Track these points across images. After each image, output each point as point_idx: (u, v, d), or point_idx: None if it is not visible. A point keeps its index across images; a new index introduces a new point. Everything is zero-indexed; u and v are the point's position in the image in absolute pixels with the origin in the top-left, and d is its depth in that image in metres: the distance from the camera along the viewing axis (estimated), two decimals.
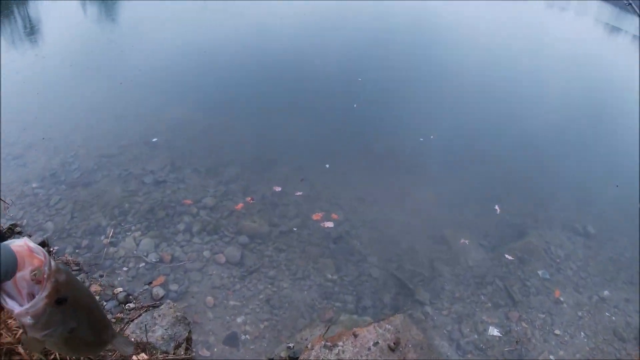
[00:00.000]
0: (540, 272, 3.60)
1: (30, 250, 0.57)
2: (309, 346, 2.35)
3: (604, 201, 4.67)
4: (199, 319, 2.85)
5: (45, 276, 0.56)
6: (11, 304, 0.55)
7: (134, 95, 5.53)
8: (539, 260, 3.75)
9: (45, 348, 0.67)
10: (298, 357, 2.50)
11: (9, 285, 0.54)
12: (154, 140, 4.56)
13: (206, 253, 3.31)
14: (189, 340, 2.74)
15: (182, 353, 2.60)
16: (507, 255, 3.72)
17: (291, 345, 2.64)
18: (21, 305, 0.55)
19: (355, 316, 2.93)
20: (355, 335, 2.45)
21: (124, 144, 4.51)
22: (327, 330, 2.69)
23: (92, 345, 0.69)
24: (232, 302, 2.96)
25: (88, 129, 4.69)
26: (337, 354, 2.34)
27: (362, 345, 2.43)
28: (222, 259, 3.27)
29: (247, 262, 3.28)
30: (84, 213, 3.54)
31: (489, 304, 3.23)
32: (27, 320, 0.56)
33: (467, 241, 3.80)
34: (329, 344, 2.36)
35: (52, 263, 0.57)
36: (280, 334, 2.81)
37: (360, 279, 3.31)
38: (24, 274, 0.56)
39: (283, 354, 2.60)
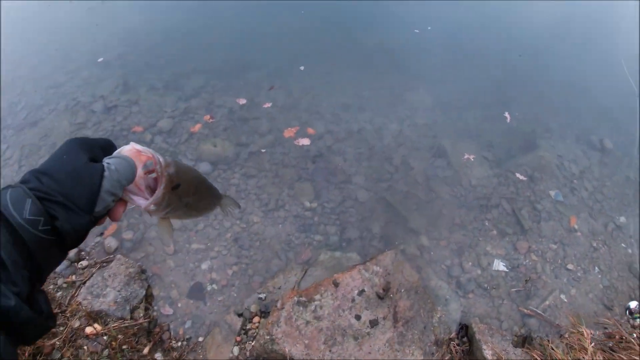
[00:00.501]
0: (552, 193, 3.13)
1: (138, 151, 0.68)
2: (279, 305, 1.94)
3: (623, 112, 4.05)
4: (159, 270, 2.44)
5: (159, 173, 0.67)
6: (137, 200, 0.67)
7: (79, 9, 4.67)
8: (551, 179, 3.27)
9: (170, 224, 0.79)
10: (269, 311, 2.12)
11: (130, 186, 0.65)
12: (100, 60, 3.86)
13: None
14: (148, 298, 2.36)
15: (141, 316, 2.24)
16: (517, 174, 3.23)
17: (263, 296, 2.25)
18: (146, 199, 0.67)
19: (338, 253, 2.53)
20: (336, 284, 2.04)
21: (71, 68, 3.82)
22: (303, 275, 2.28)
23: (205, 209, 0.85)
24: (195, 246, 2.53)
25: (34, 56, 3.97)
26: (314, 311, 1.94)
27: (344, 296, 2.03)
28: None
29: None
30: (31, 159, 3.00)
31: (495, 232, 2.81)
32: (152, 207, 0.68)
33: (471, 156, 3.30)
34: (303, 299, 1.95)
35: (161, 159, 0.67)
36: (251, 281, 2.42)
37: (345, 206, 2.86)
38: (139, 172, 0.67)
39: (254, 308, 2.23)
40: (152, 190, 0.68)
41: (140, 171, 0.67)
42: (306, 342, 1.84)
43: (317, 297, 1.97)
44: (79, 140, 0.61)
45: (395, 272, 2.29)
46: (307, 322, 1.88)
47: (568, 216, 3.02)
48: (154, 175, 0.68)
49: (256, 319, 2.15)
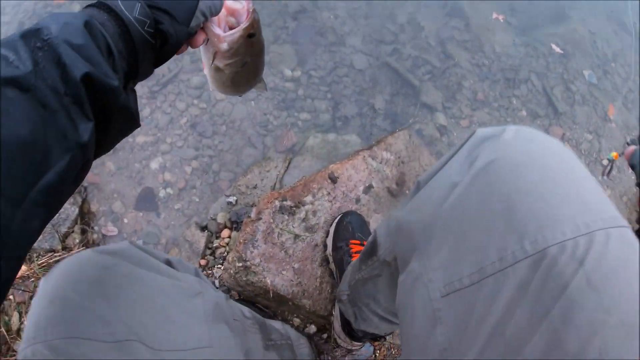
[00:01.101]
0: (586, 74, 2.45)
1: None
2: (253, 214, 1.34)
3: None
4: (95, 178, 1.79)
5: (249, 11, 0.69)
6: (217, 30, 0.68)
7: None
8: (585, 57, 2.55)
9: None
10: (242, 221, 1.52)
11: (213, 20, 0.68)
12: None
13: None
14: (84, 217, 1.73)
15: (77, 243, 1.64)
16: (552, 45, 2.51)
17: (233, 199, 1.64)
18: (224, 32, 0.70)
19: (331, 135, 1.89)
20: (334, 179, 1.43)
21: None
22: (287, 167, 1.66)
23: (247, 83, 0.89)
24: (140, 139, 1.86)
25: None
26: (305, 220, 1.34)
27: (345, 195, 1.43)
28: None
29: (158, 69, 2.06)
30: None
31: (524, 112, 2.16)
32: (224, 46, 0.70)
33: (500, 16, 2.53)
34: (288, 203, 1.35)
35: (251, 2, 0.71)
36: (217, 179, 1.80)
37: (337, 74, 2.16)
38: (223, 10, 0.69)
39: (221, 217, 1.63)
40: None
41: (224, 11, 0.69)
42: (296, 266, 1.27)
43: (308, 198, 1.36)
44: None
45: (411, 159, 1.68)
46: (296, 237, 1.30)
47: (603, 103, 2.39)
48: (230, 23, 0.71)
49: (225, 233, 1.57)
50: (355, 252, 1.23)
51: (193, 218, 1.74)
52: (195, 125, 1.91)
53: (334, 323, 1.28)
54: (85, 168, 0.48)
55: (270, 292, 1.22)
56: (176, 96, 1.99)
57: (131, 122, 0.54)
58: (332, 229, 1.33)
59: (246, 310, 1.01)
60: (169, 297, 0.66)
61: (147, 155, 1.87)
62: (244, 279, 1.24)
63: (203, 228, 1.65)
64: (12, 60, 0.41)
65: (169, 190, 1.81)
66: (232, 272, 1.26)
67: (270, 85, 2.03)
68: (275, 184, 1.57)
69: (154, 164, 1.85)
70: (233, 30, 0.70)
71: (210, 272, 1.57)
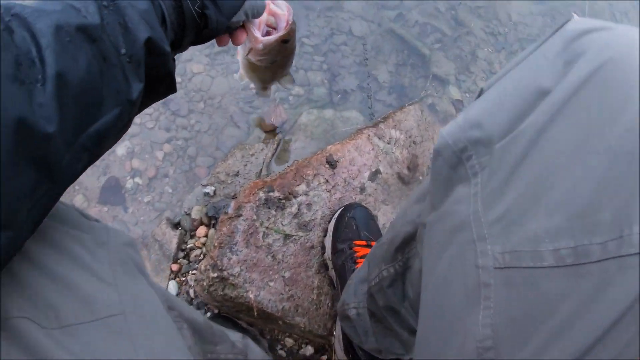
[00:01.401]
0: None
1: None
2: (231, 209, 1.06)
3: None
4: None
5: (288, 22, 0.78)
6: (256, 33, 0.75)
7: None
8: None
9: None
10: (218, 218, 1.25)
11: (254, 22, 0.74)
12: None
13: None
14: None
15: None
16: (573, 14, 2.22)
17: (210, 189, 1.36)
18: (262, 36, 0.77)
19: (329, 111, 1.60)
20: (332, 164, 1.15)
21: None
22: (276, 149, 1.37)
23: (273, 78, 0.99)
24: None
25: None
26: (297, 216, 1.07)
27: (347, 183, 1.15)
28: None
29: None
30: None
31: None
32: (259, 46, 0.77)
33: None
34: (276, 194, 1.07)
35: (292, 13, 0.79)
36: (193, 165, 1.51)
37: (334, 42, 1.86)
38: (265, 14, 0.75)
39: (197, 212, 1.35)
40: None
41: (265, 14, 0.75)
42: (287, 274, 1.00)
43: (301, 188, 1.09)
44: None
45: (424, 138, 1.40)
46: (287, 238, 1.03)
47: None
48: (268, 29, 0.79)
49: (202, 231, 1.29)
50: (361, 257, 0.96)
51: (165, 213, 1.47)
52: (168, 102, 1.61)
53: (335, 345, 1.01)
54: (127, 125, 0.52)
55: (255, 310, 0.95)
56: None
57: (170, 88, 0.58)
58: (331, 227, 1.05)
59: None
60: (69, 255, 0.50)
61: None
62: (221, 293, 0.97)
63: (176, 225, 1.38)
64: (81, 11, 0.44)
65: (137, 179, 1.53)
66: (205, 284, 0.99)
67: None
68: (261, 170, 1.29)
69: (121, 150, 1.57)
70: (270, 37, 0.78)
71: (184, 279, 1.30)
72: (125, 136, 1.60)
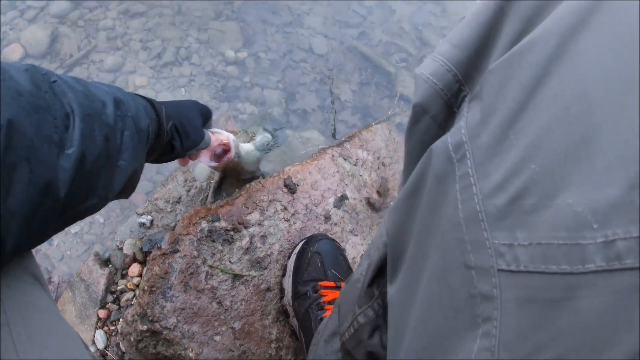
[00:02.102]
0: None
1: (218, 133, 0.93)
2: (165, 243, 0.86)
3: None
4: None
5: (232, 146, 0.94)
6: (203, 159, 0.91)
7: None
8: None
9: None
10: (161, 247, 1.03)
11: (203, 152, 0.90)
12: None
13: None
14: None
15: None
16: None
17: (146, 220, 1.14)
18: (210, 160, 0.93)
19: (286, 130, 1.44)
20: (292, 188, 0.97)
21: None
22: (224, 174, 1.18)
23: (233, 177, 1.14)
24: None
25: None
26: (248, 250, 0.88)
27: (308, 210, 0.97)
28: (18, 51, 1.51)
29: (63, 48, 1.54)
30: None
31: None
32: (212, 164, 0.94)
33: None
34: (222, 224, 0.88)
35: (233, 138, 0.95)
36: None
37: (293, 58, 1.72)
38: (213, 144, 0.91)
39: (129, 245, 1.12)
40: (214, 155, 0.94)
41: (214, 144, 0.92)
42: (237, 325, 0.80)
43: (253, 217, 0.90)
44: (199, 104, 0.84)
45: (393, 160, 1.26)
46: (236, 278, 0.84)
47: None
48: (218, 151, 0.94)
49: (135, 270, 1.06)
50: (329, 303, 0.78)
51: (94, 246, 1.24)
52: None
53: None
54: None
55: None
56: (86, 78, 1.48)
57: (128, 195, 0.63)
58: (291, 264, 0.87)
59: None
60: None
61: None
62: (152, 351, 0.76)
63: (105, 262, 1.15)
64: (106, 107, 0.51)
65: None
66: (132, 339, 0.78)
67: (207, 69, 1.56)
68: (207, 196, 1.09)
69: None
70: (222, 160, 0.95)
71: (113, 328, 1.07)
72: None
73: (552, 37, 0.26)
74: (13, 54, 1.52)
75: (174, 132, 0.72)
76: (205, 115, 0.85)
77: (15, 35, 1.57)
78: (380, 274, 0.51)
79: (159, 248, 0.81)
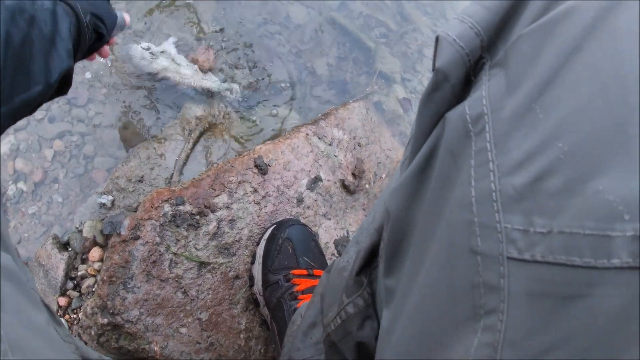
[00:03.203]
0: None
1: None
2: (125, 227, 0.80)
3: None
4: None
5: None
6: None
7: None
8: None
9: None
10: (120, 234, 0.97)
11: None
12: None
13: None
14: None
15: None
16: None
17: (107, 200, 1.06)
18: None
19: (259, 106, 1.36)
20: (262, 168, 0.92)
21: None
22: (191, 148, 1.12)
23: None
24: None
25: None
26: (215, 236, 0.83)
27: (280, 192, 0.92)
28: None
29: None
30: None
31: None
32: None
33: None
34: (188, 208, 0.82)
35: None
36: (89, 169, 1.17)
37: (268, 29, 1.62)
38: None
39: (89, 228, 1.05)
40: None
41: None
42: (203, 315, 0.76)
43: (221, 199, 0.85)
44: None
45: (370, 140, 1.22)
46: (202, 266, 0.79)
47: None
48: None
49: (96, 254, 1.00)
50: (302, 292, 0.74)
51: (53, 228, 1.16)
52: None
53: None
54: (38, 106, 0.61)
55: None
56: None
57: (63, 90, 0.64)
58: (260, 251, 0.83)
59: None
60: None
61: None
62: (115, 345, 0.71)
63: (64, 245, 1.08)
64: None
65: (21, 185, 1.22)
66: (93, 333, 0.73)
67: (179, 42, 1.47)
68: (172, 175, 1.03)
69: (3, 146, 1.25)
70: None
71: (74, 316, 1.01)
72: (9, 130, 1.28)
73: (591, 8, 0.23)
74: None
75: (96, 21, 0.72)
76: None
77: None
78: (370, 262, 0.48)
79: (119, 234, 0.76)
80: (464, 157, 0.27)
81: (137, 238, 0.75)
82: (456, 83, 0.32)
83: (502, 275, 0.24)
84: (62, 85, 0.63)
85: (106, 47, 0.89)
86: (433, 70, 0.33)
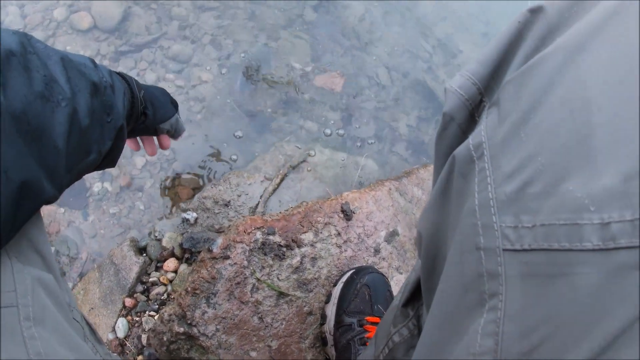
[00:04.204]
0: None
1: None
2: (216, 248, 0.83)
3: None
4: None
5: None
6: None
7: None
8: None
9: None
10: (194, 252, 1.01)
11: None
12: None
13: (60, 11, 1.56)
14: None
15: None
16: None
17: (191, 216, 1.10)
18: None
19: (342, 154, 1.41)
20: (348, 214, 0.94)
21: None
22: (279, 182, 1.16)
23: None
24: None
25: None
26: (297, 270, 0.85)
27: (361, 240, 0.94)
28: (87, 20, 1.54)
29: (132, 27, 1.57)
30: None
31: None
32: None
33: None
34: (276, 239, 0.85)
35: None
36: (176, 183, 1.25)
37: (358, 81, 1.71)
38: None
39: (169, 239, 1.10)
40: None
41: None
42: (274, 344, 0.77)
43: (307, 237, 0.87)
44: (168, 93, 0.89)
45: None
46: (281, 296, 0.81)
47: None
48: None
49: (171, 264, 1.05)
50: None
51: (131, 231, 1.22)
52: None
53: None
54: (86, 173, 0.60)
55: None
56: (149, 65, 1.50)
57: (113, 161, 0.66)
58: (336, 292, 0.84)
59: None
60: None
61: None
62: (185, 355, 0.73)
63: (140, 250, 1.13)
64: (98, 69, 0.57)
65: (106, 185, 1.30)
66: (165, 338, 0.75)
67: (273, 79, 1.56)
68: (257, 205, 1.07)
69: None
70: None
71: (137, 319, 1.04)
72: None
73: (561, 52, 0.30)
74: (82, 21, 1.53)
75: (146, 102, 0.75)
76: (174, 102, 0.90)
77: (86, 4, 1.59)
78: (416, 296, 0.53)
79: (210, 251, 0.79)
80: (470, 177, 0.33)
81: (226, 257, 0.78)
82: (462, 122, 0.40)
83: (499, 264, 0.29)
84: (112, 158, 0.63)
85: (167, 140, 0.94)
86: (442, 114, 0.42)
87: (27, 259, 0.45)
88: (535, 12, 0.36)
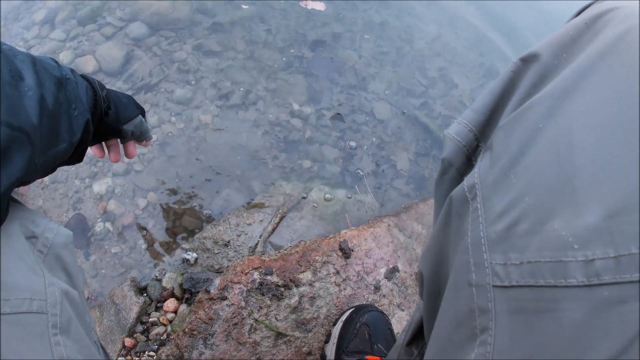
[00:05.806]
0: None
1: None
2: (214, 287, 0.84)
3: None
4: (23, 188, 1.34)
5: None
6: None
7: None
8: None
9: None
10: (194, 293, 1.01)
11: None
12: None
13: (65, 54, 1.62)
14: None
15: None
16: None
17: (191, 256, 1.11)
18: None
19: (341, 191, 1.42)
20: (347, 252, 0.94)
21: None
22: (278, 222, 1.17)
23: None
24: (89, 151, 1.37)
25: None
26: (295, 310, 0.85)
27: (360, 278, 0.94)
28: (91, 63, 1.59)
29: (134, 68, 1.62)
30: None
31: None
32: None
33: None
34: (274, 279, 0.85)
35: None
36: (177, 224, 1.28)
37: (355, 120, 1.73)
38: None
39: (169, 279, 1.10)
40: None
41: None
42: None
43: (305, 276, 0.88)
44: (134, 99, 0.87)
45: None
46: (279, 337, 0.80)
47: None
48: None
49: (171, 305, 1.04)
50: None
51: (132, 271, 1.23)
52: (165, 146, 1.44)
53: None
54: (58, 166, 0.62)
55: None
56: (151, 107, 1.53)
57: (80, 157, 0.68)
58: (336, 332, 0.83)
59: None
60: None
61: (93, 172, 1.38)
62: None
63: (141, 290, 1.13)
64: (60, 67, 0.59)
65: (108, 225, 1.31)
66: None
67: (270, 118, 1.59)
68: (256, 245, 1.08)
69: (99, 187, 1.36)
70: None
71: (137, 359, 1.03)
72: (109, 173, 1.40)
73: (547, 100, 0.32)
74: (86, 65, 1.59)
75: (109, 101, 0.76)
76: (140, 107, 0.89)
77: (91, 48, 1.65)
78: (420, 335, 0.54)
79: (207, 291, 0.79)
80: (465, 216, 0.35)
81: (224, 298, 0.79)
82: (460, 167, 0.42)
83: (490, 299, 0.30)
84: (79, 152, 0.65)
85: (133, 148, 0.91)
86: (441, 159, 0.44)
87: (56, 274, 0.50)
88: (526, 61, 0.38)
